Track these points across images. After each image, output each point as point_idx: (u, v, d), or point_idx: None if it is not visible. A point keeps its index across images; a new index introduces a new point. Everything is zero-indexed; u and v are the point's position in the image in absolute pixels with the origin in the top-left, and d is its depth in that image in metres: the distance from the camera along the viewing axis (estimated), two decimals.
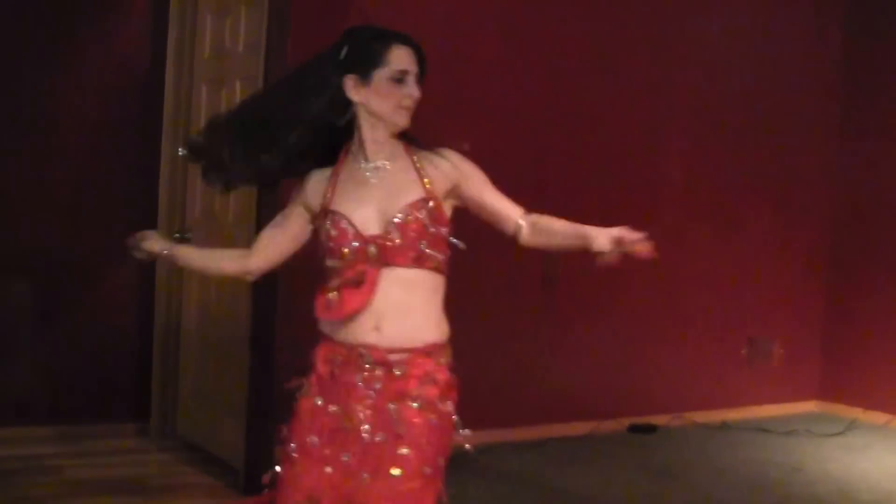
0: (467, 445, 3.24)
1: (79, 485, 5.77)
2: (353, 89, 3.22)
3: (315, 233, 3.33)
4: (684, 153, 7.86)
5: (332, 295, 3.18)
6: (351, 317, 3.17)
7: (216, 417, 6.28)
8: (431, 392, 3.18)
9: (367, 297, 3.14)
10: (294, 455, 3.22)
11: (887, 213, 8.20)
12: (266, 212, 5.65)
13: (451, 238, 3.26)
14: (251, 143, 3.27)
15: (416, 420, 3.14)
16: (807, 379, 8.55)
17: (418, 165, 3.24)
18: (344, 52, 3.25)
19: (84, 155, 6.56)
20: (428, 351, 3.20)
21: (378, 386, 3.17)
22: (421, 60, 3.25)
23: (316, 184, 3.31)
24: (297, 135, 3.24)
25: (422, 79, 3.26)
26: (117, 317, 6.71)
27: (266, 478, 3.30)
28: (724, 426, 7.80)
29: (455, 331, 3.31)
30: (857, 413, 8.15)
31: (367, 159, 3.25)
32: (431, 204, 3.18)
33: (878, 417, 8.02)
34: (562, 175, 7.23)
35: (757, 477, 6.59)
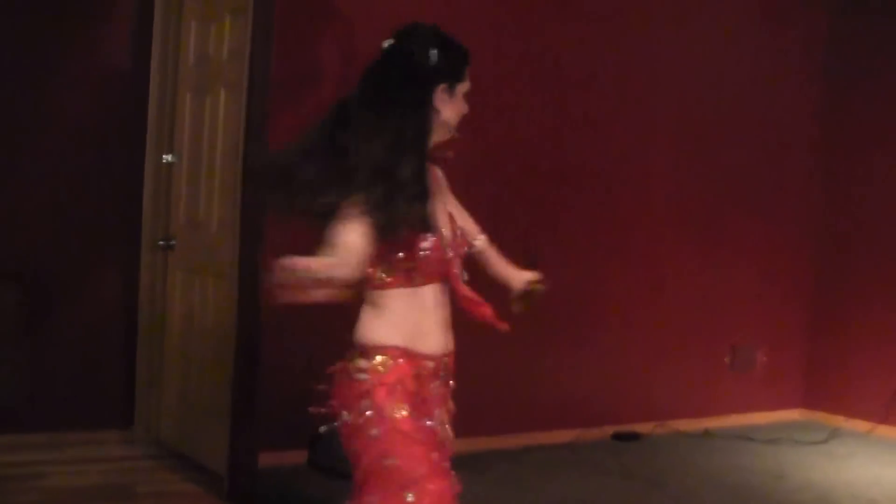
0: None
1: (62, 492, 5.74)
2: (439, 98, 3.23)
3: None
4: (669, 165, 7.88)
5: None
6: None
7: (200, 424, 6.27)
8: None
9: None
10: (432, 477, 3.14)
11: (870, 224, 8.23)
12: (250, 220, 5.67)
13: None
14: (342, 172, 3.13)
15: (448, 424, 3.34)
16: (790, 387, 8.57)
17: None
18: (434, 58, 3.23)
19: (68, 162, 6.55)
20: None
21: (438, 392, 3.31)
22: None
23: None
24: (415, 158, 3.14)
25: None
26: (101, 323, 6.69)
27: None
28: (708, 434, 7.81)
29: None
30: (840, 421, 8.17)
31: None
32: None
33: (861, 426, 8.04)
34: (546, 187, 7.24)
35: (740, 485, 6.60)
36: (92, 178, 6.61)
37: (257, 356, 5.74)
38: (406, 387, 3.18)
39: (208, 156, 6.30)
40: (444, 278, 3.27)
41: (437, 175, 3.37)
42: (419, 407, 3.19)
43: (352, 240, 3.04)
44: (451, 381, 3.37)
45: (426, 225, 3.13)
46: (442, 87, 3.22)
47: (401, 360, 3.19)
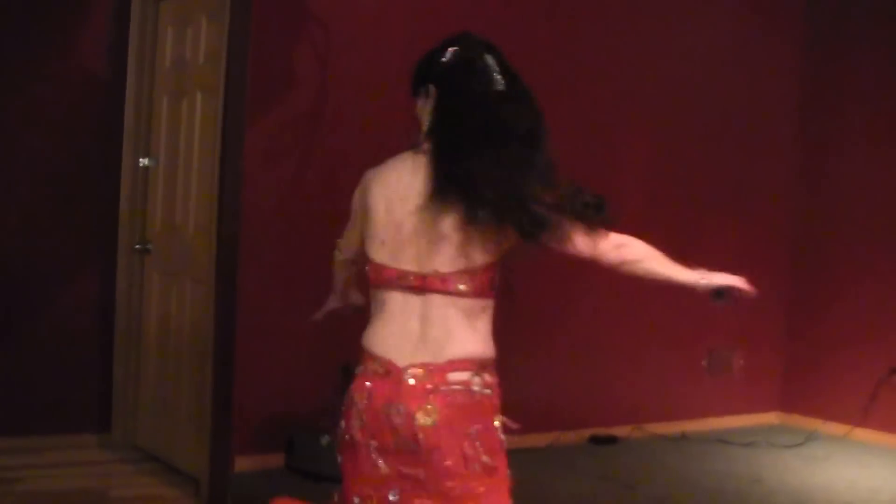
0: None
1: (37, 496, 5.73)
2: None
3: None
4: (644, 165, 7.89)
5: None
6: None
7: (177, 428, 6.26)
8: None
9: None
10: None
11: (847, 226, 8.25)
12: (226, 223, 5.67)
13: None
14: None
15: None
16: (767, 390, 8.59)
17: None
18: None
19: (44, 165, 6.52)
20: None
21: None
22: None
23: None
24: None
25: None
26: (77, 327, 6.67)
27: None
28: (685, 437, 7.82)
29: None
30: (816, 424, 8.19)
31: None
32: None
33: (838, 429, 8.06)
34: None
35: (717, 488, 6.61)
36: (68, 181, 6.59)
37: (234, 360, 5.73)
38: None
39: (185, 159, 6.30)
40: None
41: None
42: None
43: None
44: None
45: None
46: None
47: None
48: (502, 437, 3.15)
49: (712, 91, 8.16)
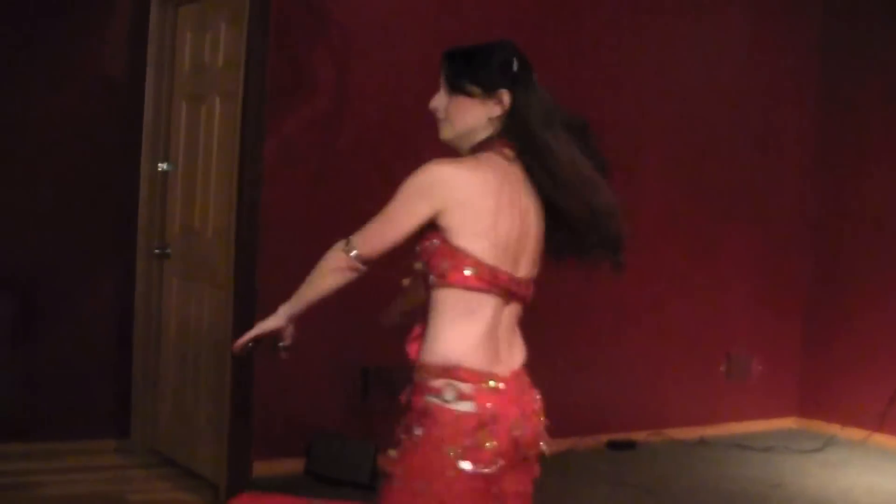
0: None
1: (56, 501, 5.74)
2: None
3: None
4: (663, 175, 7.89)
5: None
6: None
7: (196, 433, 6.27)
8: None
9: None
10: None
11: (865, 231, 8.24)
12: (245, 228, 5.67)
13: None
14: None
15: None
16: (785, 395, 8.57)
17: None
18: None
19: (63, 170, 6.53)
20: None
21: None
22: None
23: None
24: None
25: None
26: (96, 332, 6.67)
27: None
28: (703, 442, 7.81)
29: None
30: (835, 429, 8.18)
31: None
32: None
33: (857, 434, 8.05)
34: None
35: (735, 493, 6.60)
36: (87, 186, 6.60)
37: (253, 364, 5.73)
38: None
39: (204, 164, 6.30)
40: None
41: None
42: None
43: None
44: None
45: None
46: None
47: None
48: None
49: (730, 100, 8.15)
